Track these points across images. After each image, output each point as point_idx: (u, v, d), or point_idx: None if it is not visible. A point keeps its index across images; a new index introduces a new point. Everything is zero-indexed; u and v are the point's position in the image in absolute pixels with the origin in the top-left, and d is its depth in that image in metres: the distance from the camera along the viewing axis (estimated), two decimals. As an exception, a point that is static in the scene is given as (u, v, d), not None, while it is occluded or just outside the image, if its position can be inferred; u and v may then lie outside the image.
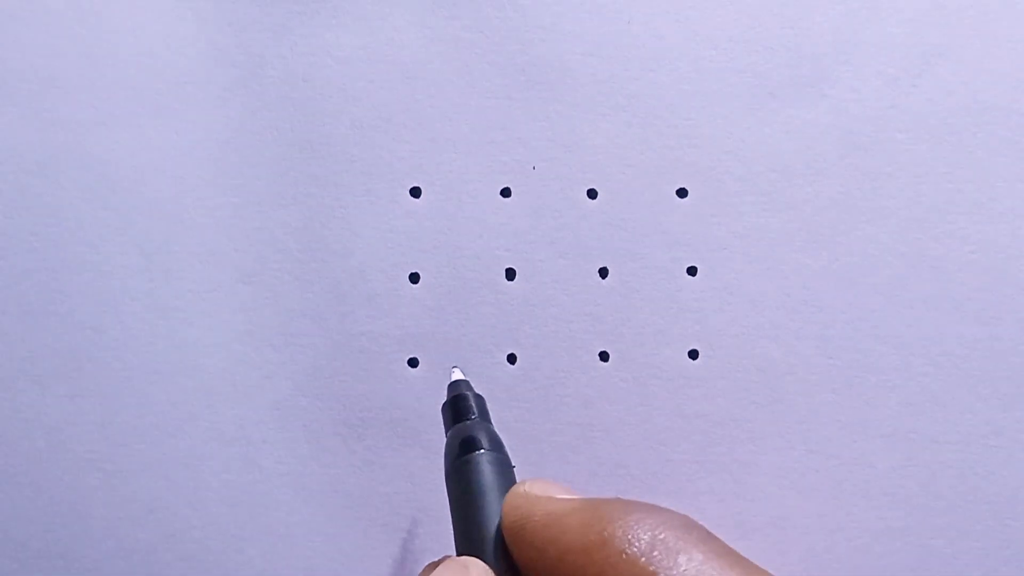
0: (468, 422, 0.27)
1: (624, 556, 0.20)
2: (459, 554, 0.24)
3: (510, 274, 0.32)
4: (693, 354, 0.32)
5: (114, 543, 0.32)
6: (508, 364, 0.32)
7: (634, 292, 0.32)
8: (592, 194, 0.32)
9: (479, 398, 0.29)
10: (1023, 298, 0.32)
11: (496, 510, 0.24)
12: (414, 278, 0.32)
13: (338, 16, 0.32)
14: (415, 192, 0.32)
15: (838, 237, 0.32)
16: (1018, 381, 0.32)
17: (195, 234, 0.32)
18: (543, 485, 0.23)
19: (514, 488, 0.24)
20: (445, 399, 0.29)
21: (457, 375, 0.30)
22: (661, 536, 0.20)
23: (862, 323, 0.32)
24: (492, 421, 0.28)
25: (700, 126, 0.32)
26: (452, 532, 0.25)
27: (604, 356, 0.32)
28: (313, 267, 0.32)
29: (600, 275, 0.32)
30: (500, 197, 0.32)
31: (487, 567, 0.22)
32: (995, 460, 0.32)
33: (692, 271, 0.32)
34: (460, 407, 0.28)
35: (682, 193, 0.32)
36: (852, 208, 0.32)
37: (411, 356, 0.32)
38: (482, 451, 0.26)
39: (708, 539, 0.20)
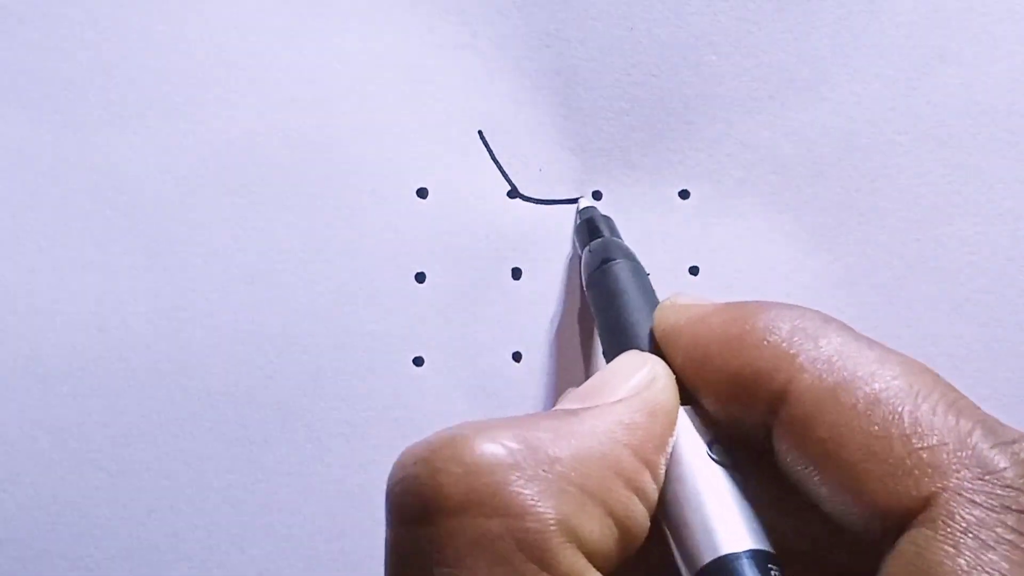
0: (602, 238, 0.30)
1: (765, 343, 0.20)
2: (609, 357, 0.25)
3: (515, 273, 0.32)
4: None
5: (116, 543, 0.32)
6: (513, 362, 0.32)
7: (638, 291, 0.32)
8: (597, 195, 0.32)
9: (608, 219, 0.31)
10: (1023, 299, 0.32)
11: (640, 308, 0.26)
12: (420, 277, 0.32)
13: (346, 20, 0.32)
14: (422, 193, 0.32)
15: (838, 238, 0.32)
16: (1018, 382, 0.32)
17: (200, 234, 0.32)
18: (689, 297, 0.25)
19: (662, 301, 0.25)
20: (576, 222, 0.32)
21: (585, 203, 0.32)
22: (800, 324, 0.21)
23: (862, 323, 0.32)
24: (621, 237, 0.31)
25: (702, 129, 0.32)
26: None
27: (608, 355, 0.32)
28: (318, 267, 0.32)
29: (604, 274, 0.32)
30: (506, 198, 0.32)
31: (660, 359, 0.23)
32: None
33: (694, 271, 0.32)
34: (593, 227, 0.31)
35: (684, 195, 0.32)
36: (852, 209, 0.32)
37: (416, 355, 0.32)
38: (620, 260, 0.28)
39: (845, 328, 0.21)
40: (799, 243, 0.32)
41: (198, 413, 0.32)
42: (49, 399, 0.32)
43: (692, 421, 0.22)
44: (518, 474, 0.18)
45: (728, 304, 0.23)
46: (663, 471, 0.20)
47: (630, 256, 0.29)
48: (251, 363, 0.32)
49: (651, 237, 0.32)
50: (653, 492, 0.20)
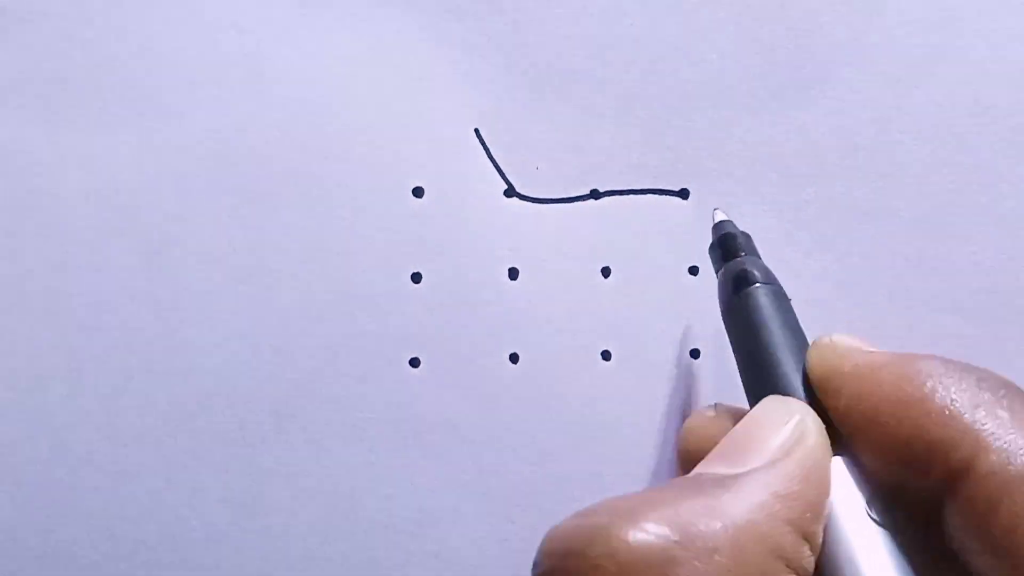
0: (740, 258, 0.28)
1: (947, 412, 0.20)
2: (751, 392, 0.24)
3: (512, 273, 0.32)
4: (695, 353, 0.32)
5: (114, 543, 0.32)
6: (510, 363, 0.32)
7: (636, 291, 0.32)
8: (595, 194, 0.32)
9: (746, 235, 0.29)
10: (1023, 299, 0.32)
11: (785, 342, 0.24)
12: (416, 278, 0.32)
13: (342, 18, 0.32)
14: (417, 192, 0.32)
15: (839, 237, 0.32)
16: (1019, 382, 0.32)
17: (195, 234, 0.32)
18: (848, 337, 0.23)
19: (819, 339, 0.24)
20: (712, 240, 0.29)
21: (720, 216, 0.30)
22: (983, 395, 0.20)
23: (862, 324, 0.32)
24: (760, 255, 0.29)
25: (702, 127, 0.32)
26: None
27: (606, 355, 0.32)
28: (314, 267, 0.32)
29: (603, 274, 0.32)
30: (503, 197, 0.32)
31: (808, 406, 0.22)
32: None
33: (694, 271, 0.32)
34: (729, 245, 0.28)
35: (684, 194, 0.32)
36: (853, 209, 0.32)
37: (412, 356, 0.32)
38: (758, 285, 0.26)
39: None
40: (799, 243, 0.32)
41: (194, 414, 0.32)
42: (46, 399, 0.32)
43: (850, 473, 0.21)
44: (676, 570, 0.17)
45: (899, 357, 0.21)
46: (821, 539, 0.19)
47: (771, 279, 0.27)
48: (247, 364, 0.32)
49: (650, 236, 0.32)
50: (811, 565, 0.19)
